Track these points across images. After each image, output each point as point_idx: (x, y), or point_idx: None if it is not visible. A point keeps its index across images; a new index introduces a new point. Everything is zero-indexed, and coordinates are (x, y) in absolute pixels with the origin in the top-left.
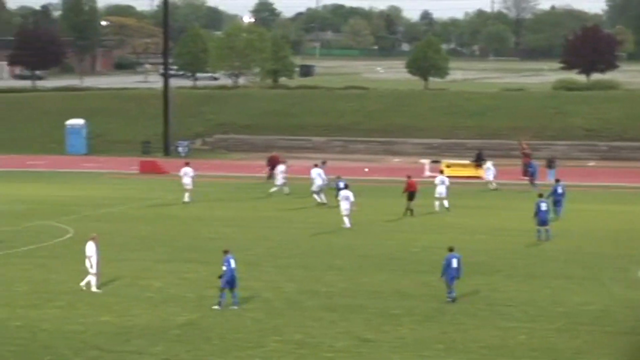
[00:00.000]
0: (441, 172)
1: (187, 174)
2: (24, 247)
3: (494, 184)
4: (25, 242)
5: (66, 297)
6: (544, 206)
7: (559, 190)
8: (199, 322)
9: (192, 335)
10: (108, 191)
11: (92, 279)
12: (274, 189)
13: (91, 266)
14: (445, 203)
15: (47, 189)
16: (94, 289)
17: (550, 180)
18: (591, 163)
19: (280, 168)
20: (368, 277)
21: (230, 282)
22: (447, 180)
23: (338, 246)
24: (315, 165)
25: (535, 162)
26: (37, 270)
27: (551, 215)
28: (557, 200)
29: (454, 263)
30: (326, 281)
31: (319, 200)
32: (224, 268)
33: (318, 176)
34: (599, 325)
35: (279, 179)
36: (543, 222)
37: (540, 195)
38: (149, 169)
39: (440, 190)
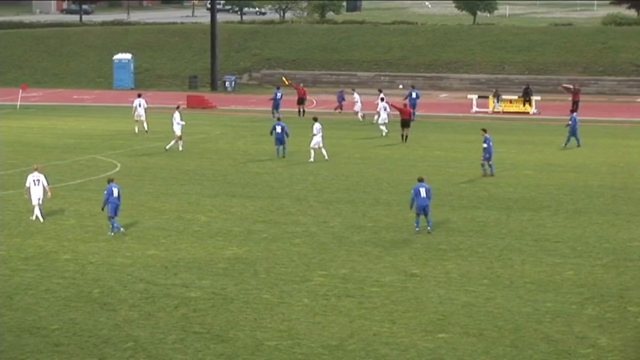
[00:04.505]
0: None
1: (140, 105)
2: (72, 181)
3: (362, 114)
4: (73, 176)
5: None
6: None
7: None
8: (245, 256)
9: (238, 269)
10: (155, 126)
11: (35, 209)
12: None
13: (29, 197)
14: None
15: (95, 124)
16: (33, 217)
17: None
18: None
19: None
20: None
21: (114, 210)
22: (388, 107)
23: (384, 181)
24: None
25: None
26: (84, 203)
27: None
28: (574, 129)
29: (422, 193)
30: (372, 216)
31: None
32: (105, 195)
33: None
34: None
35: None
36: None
37: (484, 130)
38: (196, 103)
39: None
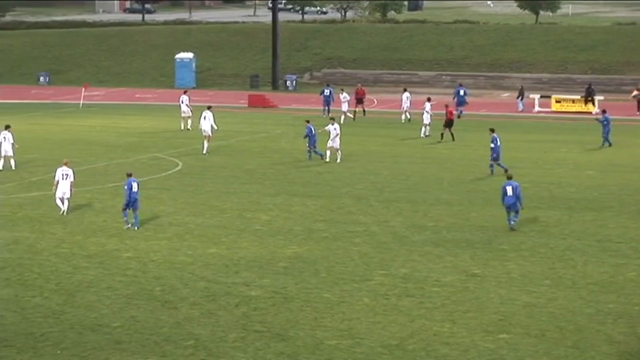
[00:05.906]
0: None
1: (183, 102)
2: None
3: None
4: (135, 175)
5: (174, 229)
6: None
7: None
8: (306, 255)
9: (299, 267)
10: (217, 125)
11: (58, 202)
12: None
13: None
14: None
15: (157, 122)
16: (66, 211)
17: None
18: None
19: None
20: (476, 211)
21: (131, 204)
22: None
23: (445, 181)
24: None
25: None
26: (146, 202)
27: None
28: (608, 130)
29: (509, 191)
30: (433, 216)
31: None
32: (126, 190)
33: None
34: None
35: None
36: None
37: (492, 130)
38: (257, 102)
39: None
